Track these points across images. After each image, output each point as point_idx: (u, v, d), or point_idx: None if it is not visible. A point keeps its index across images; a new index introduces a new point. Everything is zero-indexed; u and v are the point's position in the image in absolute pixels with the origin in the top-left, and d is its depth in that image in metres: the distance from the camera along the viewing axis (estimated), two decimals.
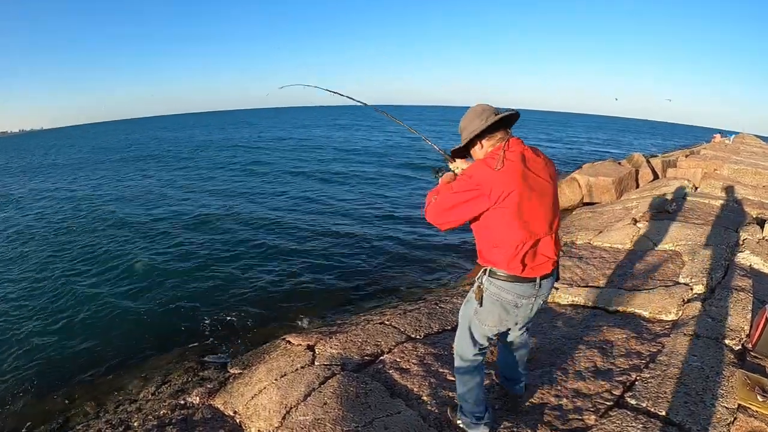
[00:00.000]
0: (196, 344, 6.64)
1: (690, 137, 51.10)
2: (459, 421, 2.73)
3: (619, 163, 15.95)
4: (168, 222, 13.31)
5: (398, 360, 3.91)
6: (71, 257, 10.74)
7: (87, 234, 12.51)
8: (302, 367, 3.96)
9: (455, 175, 2.43)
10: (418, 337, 4.40)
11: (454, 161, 2.49)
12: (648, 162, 15.47)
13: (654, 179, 14.31)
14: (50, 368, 6.52)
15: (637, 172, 14.52)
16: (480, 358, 2.46)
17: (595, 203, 12.97)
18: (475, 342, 2.39)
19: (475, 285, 2.22)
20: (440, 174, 2.52)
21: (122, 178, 22.71)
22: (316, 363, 4.01)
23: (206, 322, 7.16)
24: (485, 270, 2.14)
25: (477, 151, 2.21)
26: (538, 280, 2.11)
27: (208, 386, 4.56)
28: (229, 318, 7.17)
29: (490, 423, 2.63)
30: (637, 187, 13.86)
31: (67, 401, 5.73)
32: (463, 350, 2.45)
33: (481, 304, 2.18)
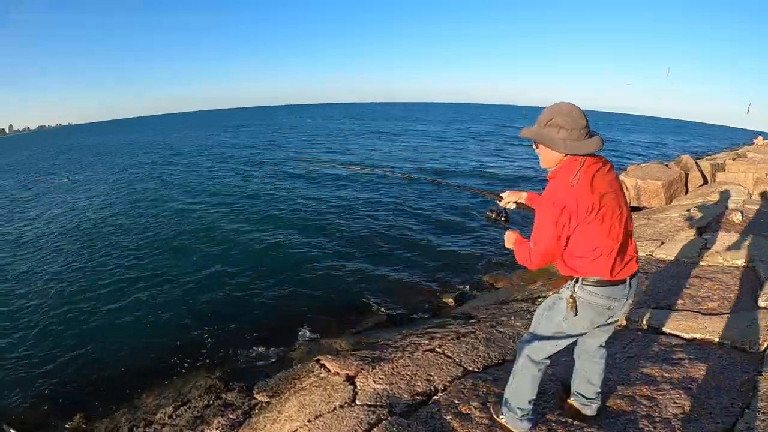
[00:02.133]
0: (221, 355, 6.13)
1: (722, 139, 48.42)
2: (502, 417, 2.79)
3: (667, 166, 14.96)
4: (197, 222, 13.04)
5: (456, 401, 3.25)
6: (96, 259, 10.41)
7: (111, 236, 12.11)
8: (341, 407, 3.33)
9: (513, 230, 2.50)
10: (476, 369, 3.73)
11: (501, 198, 2.69)
12: (697, 165, 14.46)
13: (703, 184, 13.35)
14: (64, 375, 6.12)
15: (686, 175, 13.51)
16: (548, 361, 2.47)
17: (643, 208, 12.15)
18: (553, 347, 2.39)
19: (566, 295, 2.23)
20: (493, 215, 2.71)
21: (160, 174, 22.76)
22: (357, 401, 3.38)
23: (233, 332, 6.64)
24: (575, 279, 2.18)
25: (549, 153, 2.12)
26: (628, 281, 2.17)
27: (231, 416, 4.00)
28: (258, 329, 6.63)
29: (534, 420, 2.68)
30: (687, 192, 12.90)
31: (81, 414, 5.29)
32: (536, 352, 2.42)
33: (576, 312, 2.18)
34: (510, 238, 2.44)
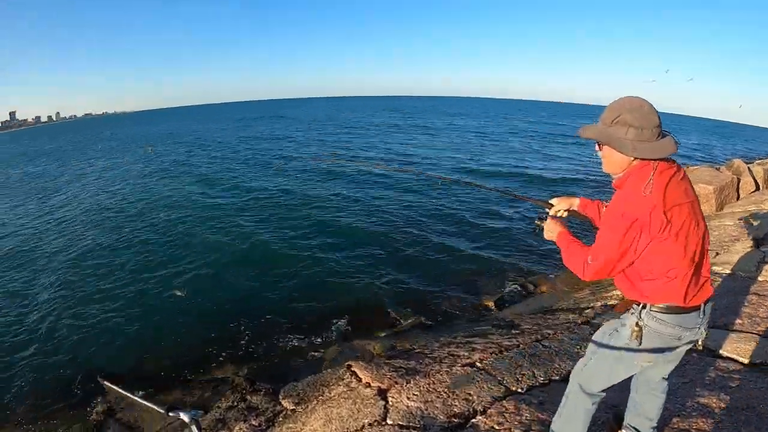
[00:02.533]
0: (252, 350, 5.97)
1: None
2: None
3: (718, 170, 14.14)
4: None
5: (496, 427, 2.93)
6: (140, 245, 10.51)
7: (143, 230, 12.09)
8: (370, 425, 3.05)
9: (557, 218, 2.29)
10: (519, 390, 3.39)
11: (551, 205, 2.41)
12: (749, 170, 13.58)
13: (755, 190, 12.53)
14: (85, 362, 6.09)
15: (738, 180, 12.68)
16: (604, 394, 2.19)
17: None
18: (611, 379, 2.12)
19: (630, 322, 1.94)
20: (542, 224, 2.32)
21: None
22: (388, 420, 3.09)
23: (266, 326, 6.50)
24: (642, 305, 1.89)
25: (615, 156, 1.84)
26: (702, 307, 1.89)
27: (253, 422, 3.80)
28: (291, 325, 6.47)
29: None
30: (738, 198, 12.10)
31: (103, 407, 5.22)
32: (591, 384, 2.16)
33: (640, 342, 1.90)
34: (553, 229, 2.19)
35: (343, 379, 3.84)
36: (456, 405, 3.18)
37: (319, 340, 6.06)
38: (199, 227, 11.67)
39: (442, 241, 9.90)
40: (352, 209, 12.95)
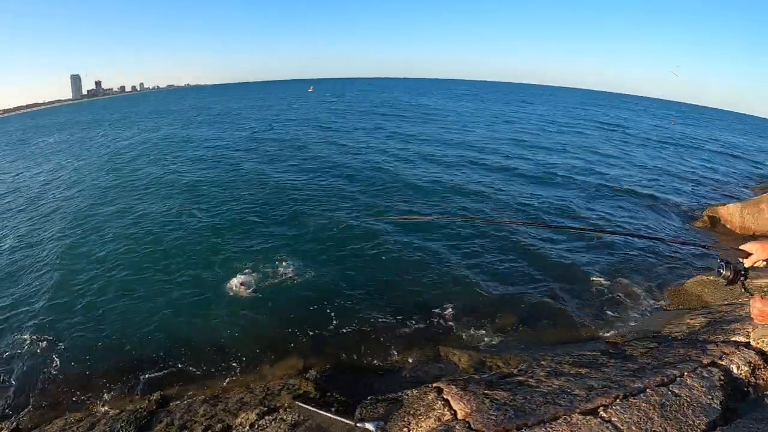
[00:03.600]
0: (322, 349, 5.63)
1: None
2: None
3: None
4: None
5: None
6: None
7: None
8: None
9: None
10: None
11: (745, 253, 1.98)
12: None
13: None
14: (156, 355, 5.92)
15: None
16: None
17: None
18: None
19: None
20: (729, 274, 2.02)
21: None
22: None
23: (349, 319, 6.16)
24: None
25: None
26: None
27: None
28: (377, 319, 6.09)
29: None
30: None
31: (159, 394, 5.03)
32: None
33: None
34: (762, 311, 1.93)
35: (434, 409, 3.32)
36: None
37: (393, 336, 5.60)
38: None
39: (532, 243, 9.07)
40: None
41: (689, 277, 7.45)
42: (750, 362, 3.95)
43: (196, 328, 6.12)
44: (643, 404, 3.17)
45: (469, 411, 3.15)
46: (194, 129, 29.10)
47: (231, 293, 6.88)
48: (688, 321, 5.37)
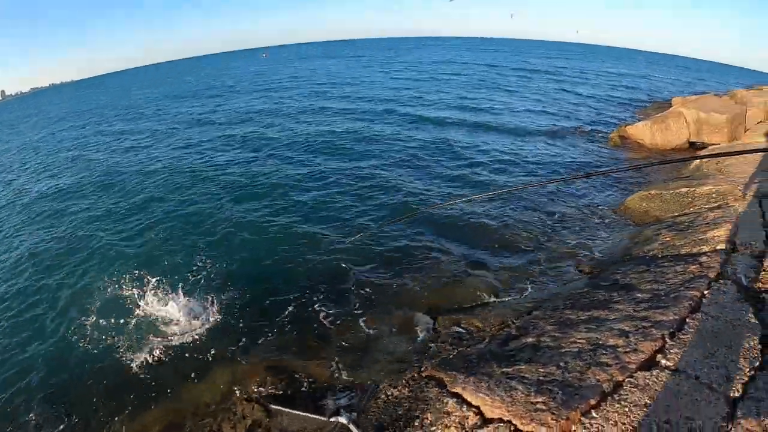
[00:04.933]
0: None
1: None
2: None
3: (719, 97, 13.48)
4: None
5: None
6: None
7: None
8: None
9: None
10: (737, 395, 2.17)
11: None
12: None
13: (760, 121, 11.87)
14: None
15: (745, 111, 11.94)
16: None
17: (703, 145, 10.64)
18: None
19: None
20: None
21: None
22: None
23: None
24: None
25: None
26: None
27: None
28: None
29: None
30: (746, 130, 11.34)
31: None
32: None
33: None
34: None
35: (447, 413, 2.45)
36: None
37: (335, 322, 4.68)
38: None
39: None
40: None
41: (627, 196, 7.28)
42: (752, 267, 3.62)
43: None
44: (696, 338, 2.59)
45: (500, 405, 2.34)
46: None
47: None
48: (654, 237, 5.06)
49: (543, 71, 31.47)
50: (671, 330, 2.69)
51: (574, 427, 2.00)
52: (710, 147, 10.23)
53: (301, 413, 2.59)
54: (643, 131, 11.19)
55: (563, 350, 2.73)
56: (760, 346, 2.56)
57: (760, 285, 3.40)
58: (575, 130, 13.14)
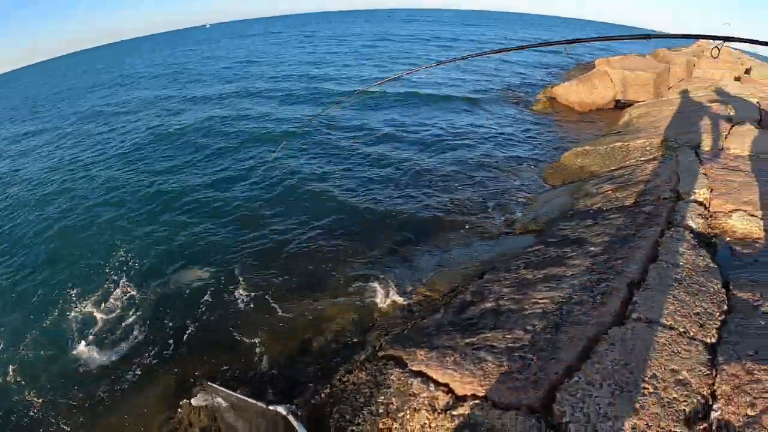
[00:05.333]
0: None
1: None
2: None
3: (644, 57, 13.97)
4: None
5: (751, 413, 1.60)
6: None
7: None
8: None
9: None
10: (712, 341, 2.06)
11: None
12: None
13: (681, 79, 12.41)
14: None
15: (668, 69, 12.44)
16: None
17: (630, 103, 10.99)
18: None
19: None
20: None
21: None
22: None
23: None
24: None
25: None
26: None
27: None
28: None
29: None
30: (669, 87, 11.83)
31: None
32: None
33: None
34: None
35: (414, 395, 2.17)
36: (673, 394, 1.77)
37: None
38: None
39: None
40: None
41: (562, 153, 7.29)
42: (699, 214, 3.61)
43: None
44: (661, 287, 2.47)
45: (471, 379, 2.10)
46: None
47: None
48: (595, 191, 5.04)
49: (466, 40, 31.84)
50: (635, 280, 2.56)
51: (558, 395, 1.79)
52: (637, 104, 10.54)
53: (239, 396, 2.50)
54: (569, 91, 11.41)
55: (527, 312, 2.53)
56: (724, 290, 2.50)
57: (710, 230, 3.40)
58: (503, 93, 13.33)
